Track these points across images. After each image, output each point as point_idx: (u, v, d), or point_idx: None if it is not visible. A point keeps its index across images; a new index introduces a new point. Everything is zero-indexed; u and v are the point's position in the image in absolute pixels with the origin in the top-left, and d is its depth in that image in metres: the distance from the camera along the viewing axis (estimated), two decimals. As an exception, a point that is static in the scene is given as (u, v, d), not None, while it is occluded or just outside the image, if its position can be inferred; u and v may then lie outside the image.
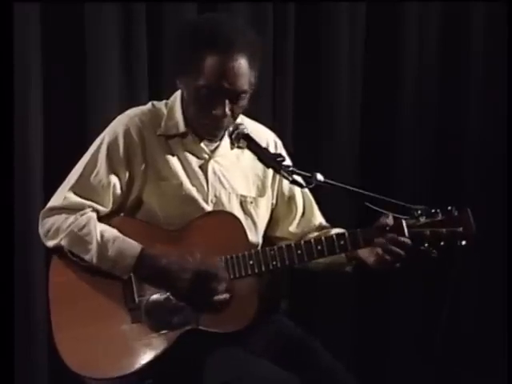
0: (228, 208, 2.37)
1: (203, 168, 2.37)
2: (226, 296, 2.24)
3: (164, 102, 2.41)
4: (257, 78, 2.30)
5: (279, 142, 2.54)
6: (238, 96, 2.25)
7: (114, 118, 2.39)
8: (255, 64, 2.27)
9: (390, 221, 2.26)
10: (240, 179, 2.41)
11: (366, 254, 2.32)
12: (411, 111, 3.53)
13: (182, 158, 2.35)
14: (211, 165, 2.37)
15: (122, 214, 2.36)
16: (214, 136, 2.35)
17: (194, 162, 2.36)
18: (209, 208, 2.35)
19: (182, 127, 2.35)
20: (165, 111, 2.38)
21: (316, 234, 2.50)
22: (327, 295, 3.44)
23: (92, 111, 3.06)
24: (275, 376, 2.15)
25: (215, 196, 2.37)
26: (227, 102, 2.24)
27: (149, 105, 2.41)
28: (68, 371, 2.22)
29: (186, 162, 2.36)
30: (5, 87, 2.72)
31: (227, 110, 2.25)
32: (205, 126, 2.31)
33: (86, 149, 2.38)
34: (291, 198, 2.51)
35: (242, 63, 2.22)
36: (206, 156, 2.37)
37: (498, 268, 3.55)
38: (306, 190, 2.49)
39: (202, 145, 2.37)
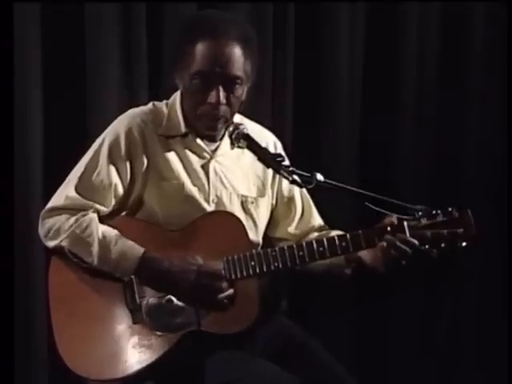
0: (229, 208, 2.37)
1: (204, 168, 2.37)
2: (228, 295, 2.24)
3: (164, 102, 2.41)
4: (254, 72, 2.30)
5: (279, 144, 2.54)
6: (231, 82, 2.24)
7: (114, 119, 2.38)
8: (250, 54, 2.26)
9: (395, 220, 2.26)
10: (241, 179, 2.41)
11: (366, 255, 2.32)
12: (411, 111, 3.52)
13: (183, 157, 2.35)
14: (212, 164, 2.37)
15: (122, 214, 2.35)
16: (212, 129, 2.32)
17: (196, 161, 2.36)
18: (210, 208, 2.35)
19: (182, 128, 2.35)
20: (165, 111, 2.37)
21: (315, 234, 2.51)
22: (327, 295, 3.44)
23: (92, 111, 3.05)
24: (275, 376, 2.15)
25: (216, 196, 2.36)
26: (221, 88, 2.23)
27: (150, 105, 2.41)
28: (68, 372, 2.22)
29: (187, 162, 2.35)
30: (5, 87, 2.71)
31: (221, 96, 2.23)
32: (201, 118, 2.29)
33: (86, 149, 2.37)
34: (290, 199, 2.51)
35: (234, 49, 2.22)
36: (208, 156, 2.37)
37: (498, 268, 3.55)
38: (305, 191, 2.50)
39: (203, 145, 2.36)
